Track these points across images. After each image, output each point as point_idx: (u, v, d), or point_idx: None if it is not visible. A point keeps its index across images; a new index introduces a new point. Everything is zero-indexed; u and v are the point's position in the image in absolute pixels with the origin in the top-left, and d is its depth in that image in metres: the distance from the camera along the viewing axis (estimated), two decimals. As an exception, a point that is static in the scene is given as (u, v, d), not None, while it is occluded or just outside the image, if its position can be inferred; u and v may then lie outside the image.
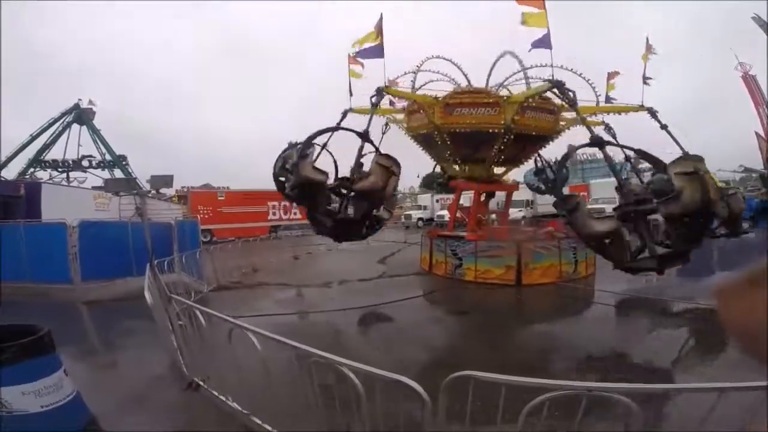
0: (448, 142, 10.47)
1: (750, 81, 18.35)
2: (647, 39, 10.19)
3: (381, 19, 9.54)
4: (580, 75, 9.62)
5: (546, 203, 25.69)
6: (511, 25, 8.72)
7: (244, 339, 3.02)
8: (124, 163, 39.68)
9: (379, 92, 9.26)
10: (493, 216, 14.99)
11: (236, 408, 3.36)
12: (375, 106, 9.14)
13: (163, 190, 26.75)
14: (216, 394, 3.63)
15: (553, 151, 11.88)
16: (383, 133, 10.02)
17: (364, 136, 7.55)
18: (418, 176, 59.95)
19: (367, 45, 9.74)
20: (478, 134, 9.86)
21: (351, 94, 10.72)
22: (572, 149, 6.88)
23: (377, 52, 9.65)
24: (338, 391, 2.47)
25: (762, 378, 1.70)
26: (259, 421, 3.15)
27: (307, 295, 8.88)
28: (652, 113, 9.35)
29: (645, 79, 10.17)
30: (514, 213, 22.23)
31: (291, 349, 2.65)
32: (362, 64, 10.89)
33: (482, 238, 9.86)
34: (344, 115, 9.91)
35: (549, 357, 5.21)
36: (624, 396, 1.75)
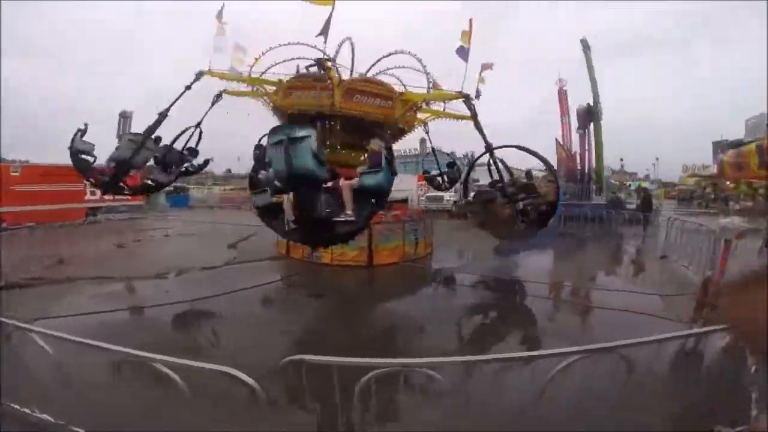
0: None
1: (562, 95, 22.36)
2: (482, 66, 11.10)
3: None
4: (420, 61, 10.08)
5: (398, 190, 27.75)
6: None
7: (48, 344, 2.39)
8: None
9: (198, 76, 8.75)
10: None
11: (47, 419, 2.74)
12: (188, 88, 8.60)
13: None
14: (17, 407, 2.88)
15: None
16: (213, 104, 9.19)
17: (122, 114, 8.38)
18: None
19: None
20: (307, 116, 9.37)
21: (221, 50, 9.51)
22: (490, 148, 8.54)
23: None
24: (165, 389, 2.17)
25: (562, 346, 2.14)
26: (81, 431, 2.63)
27: (135, 289, 7.61)
28: (467, 100, 9.66)
29: (477, 94, 11.09)
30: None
31: (99, 350, 2.19)
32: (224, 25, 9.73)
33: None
34: (198, 77, 8.78)
35: (394, 334, 5.64)
36: (433, 369, 1.92)
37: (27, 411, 2.87)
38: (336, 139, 10.34)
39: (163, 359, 1.86)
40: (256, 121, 12.91)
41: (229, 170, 58.97)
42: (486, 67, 11.10)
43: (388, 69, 11.00)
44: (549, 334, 5.49)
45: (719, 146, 31.27)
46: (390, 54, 10.46)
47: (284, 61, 9.95)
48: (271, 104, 10.73)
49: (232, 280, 8.02)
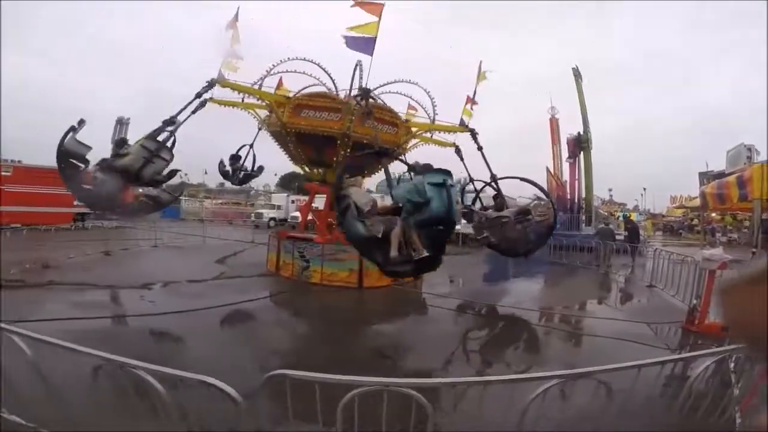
0: (295, 142, 10.15)
1: (554, 123, 22.26)
2: (480, 64, 10.82)
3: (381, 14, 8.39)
4: (428, 93, 10.43)
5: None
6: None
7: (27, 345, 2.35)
8: None
9: (211, 84, 8.38)
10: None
11: (17, 421, 2.65)
12: (199, 96, 8.24)
13: None
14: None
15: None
16: (195, 110, 8.48)
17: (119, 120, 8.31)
18: (275, 174, 57.38)
19: (361, 35, 8.47)
20: (319, 137, 9.68)
21: (235, 63, 8.93)
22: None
23: (367, 46, 8.55)
24: (143, 396, 2.14)
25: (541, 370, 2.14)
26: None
27: (119, 298, 7.47)
28: (473, 135, 10.32)
29: (473, 102, 10.74)
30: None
31: (75, 353, 2.16)
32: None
33: (330, 242, 9.99)
34: (210, 85, 8.45)
35: (381, 355, 5.51)
36: (415, 390, 1.91)
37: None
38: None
39: (142, 366, 1.84)
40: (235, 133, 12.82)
41: (222, 184, 58.71)
42: (470, 101, 10.84)
43: (390, 92, 10.71)
44: (538, 361, 5.46)
45: (705, 177, 31.92)
46: (396, 81, 10.38)
47: (279, 72, 9.81)
48: (267, 120, 10.65)
49: (219, 294, 7.90)
